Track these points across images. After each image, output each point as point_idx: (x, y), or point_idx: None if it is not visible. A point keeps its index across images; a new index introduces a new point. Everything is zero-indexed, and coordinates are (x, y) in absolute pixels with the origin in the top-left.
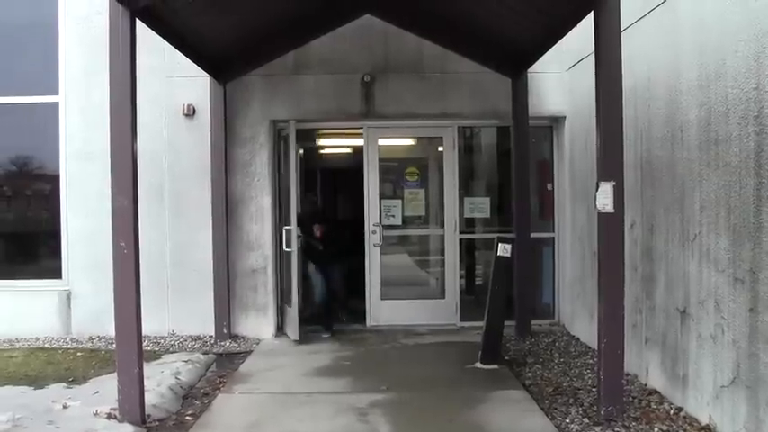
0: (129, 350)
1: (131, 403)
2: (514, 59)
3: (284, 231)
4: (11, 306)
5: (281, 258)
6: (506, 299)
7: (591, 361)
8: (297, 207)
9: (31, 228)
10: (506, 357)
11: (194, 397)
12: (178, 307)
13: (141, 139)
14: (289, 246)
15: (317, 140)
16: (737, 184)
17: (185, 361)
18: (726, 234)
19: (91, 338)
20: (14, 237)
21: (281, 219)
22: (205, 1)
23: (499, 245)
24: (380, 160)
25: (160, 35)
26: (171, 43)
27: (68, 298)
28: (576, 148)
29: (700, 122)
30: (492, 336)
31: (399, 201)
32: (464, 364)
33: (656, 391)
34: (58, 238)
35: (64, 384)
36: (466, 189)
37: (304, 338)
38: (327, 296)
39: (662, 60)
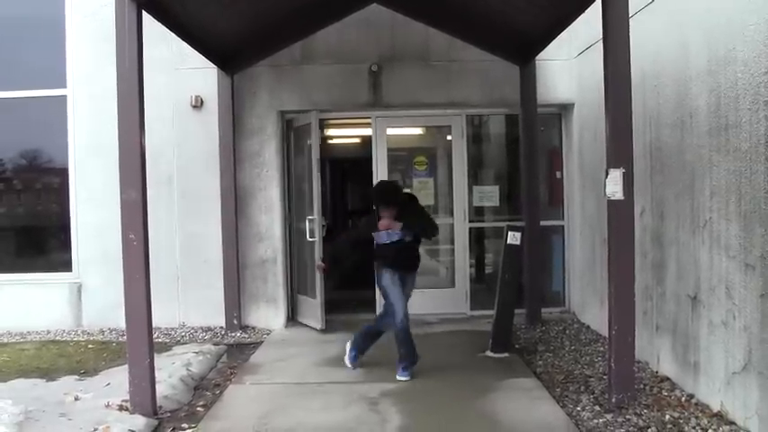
0: (140, 342)
1: (143, 395)
2: (522, 47)
3: (307, 221)
4: (22, 299)
5: (291, 249)
6: (516, 287)
7: (601, 348)
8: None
9: (42, 221)
10: (517, 345)
11: (205, 388)
12: (188, 298)
13: (149, 131)
14: (312, 236)
15: (325, 131)
16: (748, 170)
17: (196, 352)
18: (736, 220)
19: (102, 331)
20: (25, 230)
21: (290, 209)
22: None
23: (509, 233)
24: (389, 150)
25: (167, 27)
26: (177, 35)
27: (79, 290)
28: (584, 136)
29: (709, 108)
30: (502, 324)
31: (408, 190)
32: (475, 353)
33: (668, 378)
34: (68, 231)
35: (75, 377)
36: (475, 178)
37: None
38: (406, 322)
39: (670, 46)
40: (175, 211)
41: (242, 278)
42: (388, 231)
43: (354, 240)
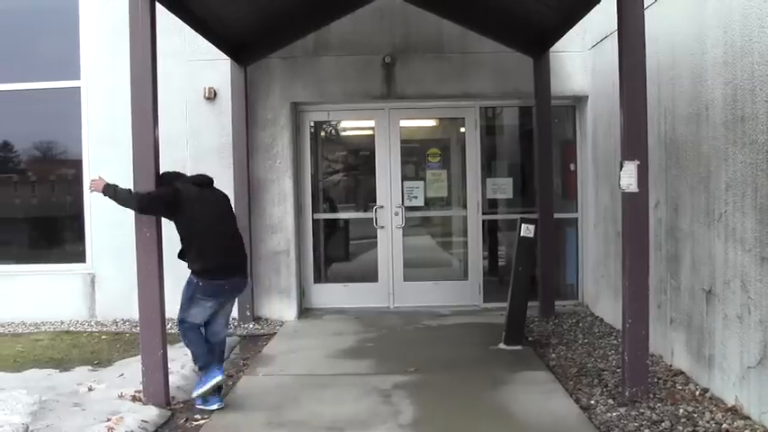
0: (153, 333)
1: (156, 386)
2: (536, 39)
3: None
4: (36, 290)
5: (303, 240)
6: (530, 279)
7: (615, 342)
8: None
9: (56, 212)
10: (530, 338)
11: None
12: None
13: (163, 122)
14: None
15: (338, 123)
16: (764, 163)
17: None
18: (752, 213)
19: (115, 321)
20: (39, 221)
21: (303, 201)
22: None
23: (522, 225)
24: (402, 141)
25: (180, 18)
26: (191, 26)
27: (93, 281)
28: (599, 128)
29: (725, 100)
30: (515, 317)
31: (422, 182)
32: (488, 346)
33: (682, 372)
34: (82, 222)
35: (89, 367)
36: (488, 170)
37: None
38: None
39: (686, 37)
40: None
41: (255, 270)
42: None
43: None
